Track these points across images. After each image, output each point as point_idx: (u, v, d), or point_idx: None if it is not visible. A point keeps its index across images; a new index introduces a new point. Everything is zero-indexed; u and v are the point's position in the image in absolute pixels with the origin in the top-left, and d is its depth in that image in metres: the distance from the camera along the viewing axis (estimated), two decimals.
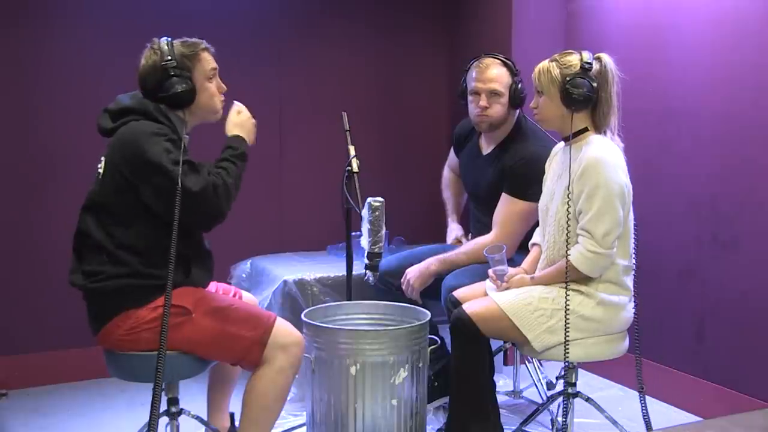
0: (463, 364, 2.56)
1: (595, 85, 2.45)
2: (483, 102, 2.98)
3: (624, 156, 2.50)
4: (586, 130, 2.52)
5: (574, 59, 2.48)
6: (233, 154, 2.36)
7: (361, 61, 4.20)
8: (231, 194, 2.28)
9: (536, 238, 2.74)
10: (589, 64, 2.46)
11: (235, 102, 2.47)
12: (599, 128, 2.52)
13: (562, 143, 2.64)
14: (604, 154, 2.43)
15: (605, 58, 2.51)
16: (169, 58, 2.29)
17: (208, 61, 2.38)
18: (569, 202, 2.44)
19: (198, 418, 2.51)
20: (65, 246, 2.37)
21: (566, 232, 2.44)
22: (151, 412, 2.13)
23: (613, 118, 2.51)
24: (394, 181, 4.19)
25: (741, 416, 1.65)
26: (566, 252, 2.43)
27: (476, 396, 2.57)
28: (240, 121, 2.43)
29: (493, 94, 2.97)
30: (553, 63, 2.49)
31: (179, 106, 2.32)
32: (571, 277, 2.44)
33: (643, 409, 2.40)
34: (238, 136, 2.41)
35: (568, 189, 2.44)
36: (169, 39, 2.34)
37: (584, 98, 2.44)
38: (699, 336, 3.23)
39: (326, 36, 4.09)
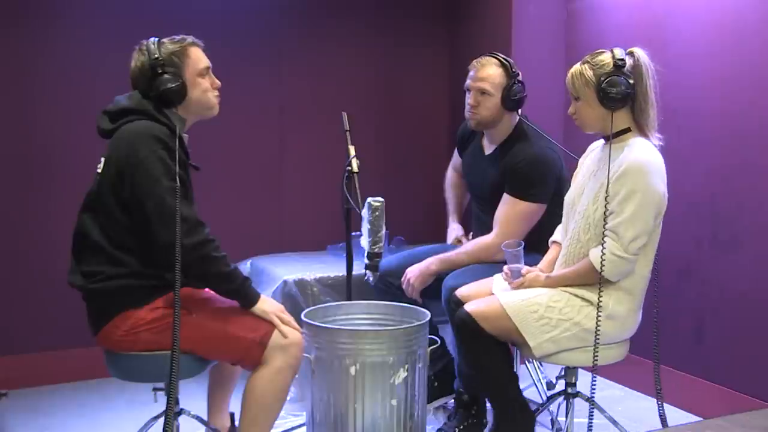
0: (476, 362, 2.54)
1: (631, 81, 2.38)
2: (471, 100, 3.00)
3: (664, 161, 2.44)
4: (628, 130, 2.46)
5: (606, 58, 2.41)
6: (244, 286, 2.32)
7: (361, 61, 4.20)
8: (204, 253, 2.23)
9: (557, 236, 2.70)
10: (622, 60, 2.38)
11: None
12: (640, 126, 2.45)
13: (600, 141, 2.58)
14: (648, 158, 2.37)
15: (638, 52, 2.43)
16: (156, 56, 2.29)
17: (199, 57, 2.38)
18: (606, 204, 2.37)
19: (198, 418, 2.51)
20: (65, 246, 2.37)
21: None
22: (166, 410, 2.15)
23: (653, 112, 2.44)
24: (394, 181, 4.19)
25: (741, 416, 1.64)
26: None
27: (500, 389, 2.55)
28: (270, 307, 2.36)
29: (482, 93, 2.98)
30: (585, 65, 2.43)
31: (171, 103, 2.32)
32: (588, 279, 2.41)
33: (659, 411, 2.38)
34: (255, 300, 2.34)
35: (607, 188, 2.38)
36: (157, 39, 2.34)
37: (622, 96, 2.37)
38: (699, 336, 3.23)
39: (326, 36, 4.09)
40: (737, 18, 3.01)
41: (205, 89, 2.38)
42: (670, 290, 3.32)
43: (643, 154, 2.38)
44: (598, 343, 2.36)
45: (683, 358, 3.29)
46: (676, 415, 3.24)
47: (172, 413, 2.18)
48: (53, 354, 3.58)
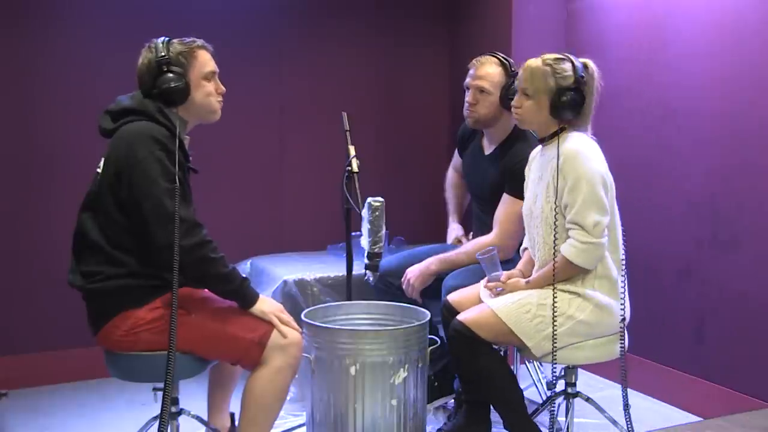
0: (475, 369, 2.52)
1: (584, 97, 2.47)
2: (469, 98, 3.01)
3: (600, 149, 2.51)
4: (563, 129, 2.53)
5: (568, 68, 2.46)
6: (242, 287, 2.31)
7: (361, 61, 4.20)
8: (201, 257, 2.22)
9: (527, 243, 2.73)
10: (583, 77, 2.45)
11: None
12: (577, 128, 2.52)
13: (538, 148, 2.65)
14: (580, 146, 2.44)
15: (591, 65, 2.51)
16: (163, 54, 2.29)
17: (206, 60, 2.38)
18: (555, 199, 2.43)
19: (198, 418, 2.51)
20: (65, 246, 2.37)
21: (554, 230, 2.43)
22: (161, 410, 2.15)
23: (590, 118, 2.53)
24: (394, 181, 4.19)
25: (740, 416, 1.65)
26: (554, 251, 2.42)
27: (502, 393, 2.54)
28: (269, 308, 2.35)
29: (480, 91, 2.98)
30: (547, 68, 2.47)
31: (173, 103, 2.32)
32: (567, 275, 2.44)
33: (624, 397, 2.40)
34: (254, 300, 2.33)
35: (555, 185, 2.43)
36: (167, 38, 2.34)
37: (573, 111, 2.46)
38: (699, 336, 3.23)
39: (326, 36, 4.09)
40: (737, 18, 3.01)
41: (208, 93, 2.38)
42: (670, 290, 3.32)
43: (575, 144, 2.46)
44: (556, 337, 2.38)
45: (683, 358, 3.29)
46: (676, 415, 3.24)
47: (167, 414, 2.17)
48: (53, 354, 3.58)
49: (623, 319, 2.43)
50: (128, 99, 2.35)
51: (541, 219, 2.53)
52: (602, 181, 2.42)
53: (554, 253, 2.43)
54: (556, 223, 2.43)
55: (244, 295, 2.31)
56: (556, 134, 2.52)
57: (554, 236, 2.43)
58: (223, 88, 2.43)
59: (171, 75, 2.29)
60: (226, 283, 2.28)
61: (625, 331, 2.47)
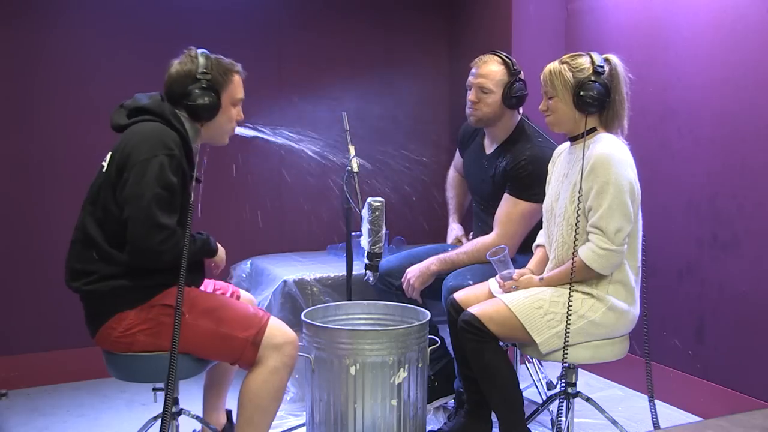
0: (483, 365, 2.51)
1: (608, 88, 2.44)
2: (471, 96, 3.01)
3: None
4: (594, 130, 2.51)
5: (585, 62, 2.46)
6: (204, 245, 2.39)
7: (361, 60, 4.20)
8: (176, 253, 2.21)
9: (540, 239, 2.72)
10: (602, 67, 2.44)
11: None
12: (609, 128, 2.51)
13: (566, 144, 2.62)
14: (612, 150, 2.41)
15: (614, 59, 2.49)
16: (205, 70, 2.29)
17: (239, 86, 2.40)
18: (580, 198, 2.41)
19: (198, 417, 2.51)
20: (65, 246, 2.37)
21: (575, 230, 2.42)
22: (163, 412, 2.15)
23: (625, 117, 2.50)
24: (394, 181, 4.19)
25: (741, 416, 1.64)
26: (573, 251, 2.41)
27: (505, 390, 2.54)
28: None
29: (483, 90, 2.98)
30: (564, 65, 2.47)
31: (198, 118, 2.32)
32: (582, 277, 2.43)
33: (652, 413, 2.39)
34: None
35: (580, 186, 2.41)
36: (207, 52, 2.35)
37: (598, 102, 2.43)
38: (699, 336, 3.23)
39: (326, 35, 4.09)
40: (737, 18, 3.01)
41: (230, 118, 2.40)
42: (670, 290, 3.32)
43: (607, 147, 2.42)
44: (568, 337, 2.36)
45: (683, 358, 3.29)
46: (676, 415, 3.24)
47: (169, 414, 2.17)
48: (53, 354, 3.58)
49: (646, 331, 2.42)
50: (146, 98, 2.34)
51: (562, 218, 2.51)
52: (630, 188, 2.39)
53: (573, 255, 2.41)
54: (578, 224, 2.42)
55: (210, 252, 2.41)
56: (588, 133, 2.49)
57: (575, 237, 2.42)
58: (242, 116, 2.44)
59: (206, 92, 2.29)
60: (195, 256, 2.33)
61: (646, 338, 2.47)
